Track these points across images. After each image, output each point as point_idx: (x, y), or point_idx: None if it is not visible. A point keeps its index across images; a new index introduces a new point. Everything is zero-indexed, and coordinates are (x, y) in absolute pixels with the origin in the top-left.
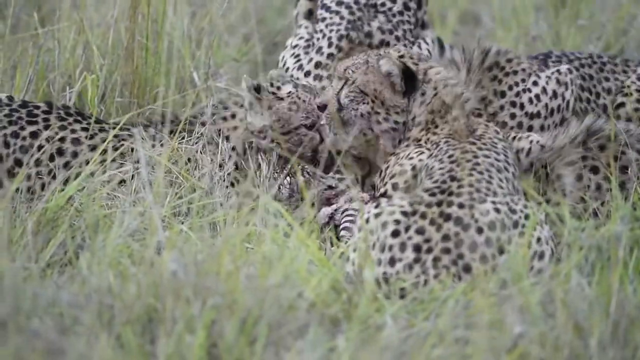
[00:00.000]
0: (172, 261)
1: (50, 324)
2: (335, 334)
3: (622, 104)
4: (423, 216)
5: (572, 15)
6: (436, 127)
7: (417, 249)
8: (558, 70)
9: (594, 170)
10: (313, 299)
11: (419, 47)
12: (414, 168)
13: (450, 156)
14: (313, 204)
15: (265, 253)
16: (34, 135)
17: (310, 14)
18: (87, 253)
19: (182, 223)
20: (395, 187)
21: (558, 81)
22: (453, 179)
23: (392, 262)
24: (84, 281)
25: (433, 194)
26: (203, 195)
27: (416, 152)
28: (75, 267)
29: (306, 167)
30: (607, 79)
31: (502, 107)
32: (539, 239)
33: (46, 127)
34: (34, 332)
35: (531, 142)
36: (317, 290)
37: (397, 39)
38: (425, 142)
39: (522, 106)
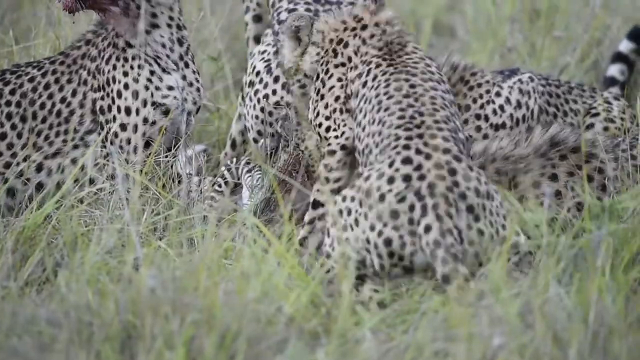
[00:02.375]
0: (151, 278)
1: (29, 341)
2: (314, 348)
3: (591, 125)
4: (407, 147)
5: (547, 27)
6: (346, 45)
7: (406, 178)
8: (520, 80)
9: (553, 178)
10: (292, 313)
11: None
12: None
13: (398, 89)
14: (291, 218)
15: (243, 268)
16: None
17: (258, 40)
18: (65, 271)
19: (160, 239)
20: (342, 112)
21: (520, 90)
22: (422, 115)
23: (382, 198)
24: (62, 299)
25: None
26: (180, 212)
27: (342, 72)
28: (54, 285)
29: (285, 179)
30: (574, 101)
31: (466, 121)
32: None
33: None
34: (13, 350)
35: None
36: (295, 304)
37: None
38: (349, 60)
39: (486, 118)
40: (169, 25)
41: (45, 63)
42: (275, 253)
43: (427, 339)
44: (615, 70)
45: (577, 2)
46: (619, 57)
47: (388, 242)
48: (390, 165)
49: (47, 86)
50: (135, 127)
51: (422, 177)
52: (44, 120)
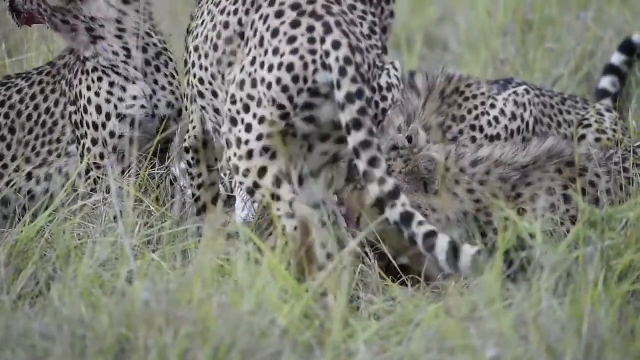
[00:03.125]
0: (144, 290)
1: (23, 355)
2: None
3: (583, 136)
4: None
5: (540, 39)
6: None
7: (295, 7)
8: (515, 92)
9: (550, 191)
10: (286, 326)
11: (389, 74)
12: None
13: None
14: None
15: (237, 281)
16: None
17: None
18: (59, 284)
19: (154, 252)
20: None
21: (516, 102)
22: None
23: None
24: (55, 312)
25: None
26: (174, 224)
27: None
28: (47, 299)
29: None
30: (568, 112)
31: (461, 132)
32: None
33: None
34: None
35: None
36: (289, 317)
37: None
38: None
39: (481, 129)
40: (119, 37)
41: (33, 74)
42: (269, 265)
43: (421, 351)
44: (607, 82)
45: (569, 14)
46: (610, 69)
47: (290, 67)
48: (272, 4)
49: (33, 97)
50: (105, 141)
51: (312, 2)
52: (30, 132)
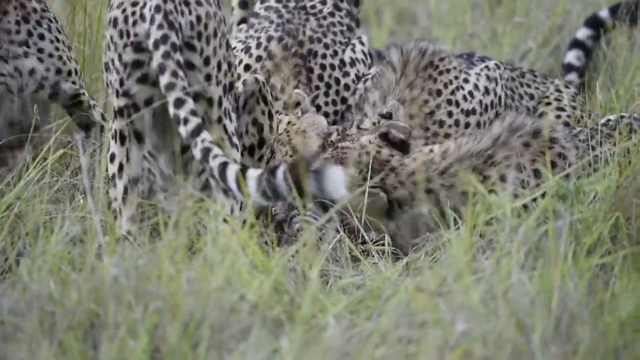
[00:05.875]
0: (113, 266)
1: None
2: (278, 336)
3: (544, 113)
4: None
5: (508, 13)
6: None
7: None
8: (487, 67)
9: (519, 168)
10: (255, 301)
11: (353, 49)
12: None
13: None
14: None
15: (206, 256)
16: None
17: (244, 22)
18: (28, 260)
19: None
20: None
21: (488, 77)
22: None
23: None
24: (24, 288)
25: None
26: (145, 200)
27: None
28: (16, 274)
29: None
30: (528, 85)
31: (438, 106)
32: None
33: None
34: None
35: None
36: (259, 292)
37: (326, 46)
38: None
39: (457, 103)
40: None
41: None
42: (238, 241)
43: (391, 326)
44: (572, 56)
45: None
46: (575, 44)
47: (115, 22)
48: None
49: None
50: None
51: None
52: None
